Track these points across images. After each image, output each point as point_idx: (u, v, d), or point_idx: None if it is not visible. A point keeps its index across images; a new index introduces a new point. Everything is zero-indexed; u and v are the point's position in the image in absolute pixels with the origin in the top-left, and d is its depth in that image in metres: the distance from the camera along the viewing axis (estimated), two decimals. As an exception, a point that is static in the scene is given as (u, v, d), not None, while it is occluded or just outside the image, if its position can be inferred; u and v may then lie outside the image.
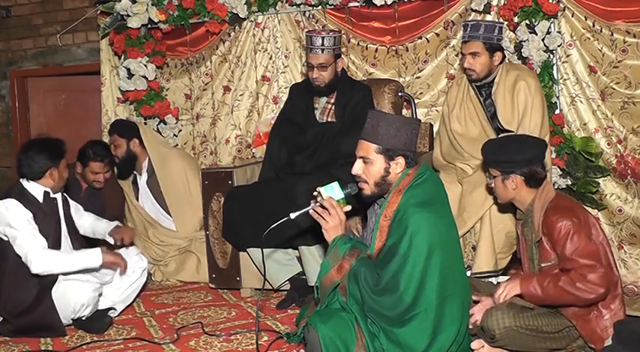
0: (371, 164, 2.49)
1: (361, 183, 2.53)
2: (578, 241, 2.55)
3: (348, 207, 2.57)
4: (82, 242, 3.59)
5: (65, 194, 3.59)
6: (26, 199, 3.33)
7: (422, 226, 2.36)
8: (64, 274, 3.29)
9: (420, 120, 2.59)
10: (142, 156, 4.40)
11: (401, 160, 2.48)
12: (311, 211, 2.54)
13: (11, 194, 3.35)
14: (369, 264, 2.46)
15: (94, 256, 3.31)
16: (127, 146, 4.34)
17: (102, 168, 4.16)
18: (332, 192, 2.55)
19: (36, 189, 3.38)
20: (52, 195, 3.42)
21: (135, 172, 4.45)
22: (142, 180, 4.43)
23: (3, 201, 3.32)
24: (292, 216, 2.54)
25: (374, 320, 2.40)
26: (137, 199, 4.44)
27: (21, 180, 3.40)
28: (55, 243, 3.36)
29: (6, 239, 3.29)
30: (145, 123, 4.86)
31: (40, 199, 3.38)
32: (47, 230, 3.34)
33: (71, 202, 3.61)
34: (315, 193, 2.57)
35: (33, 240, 3.26)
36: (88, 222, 3.67)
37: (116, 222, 3.73)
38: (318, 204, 2.53)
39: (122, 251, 3.59)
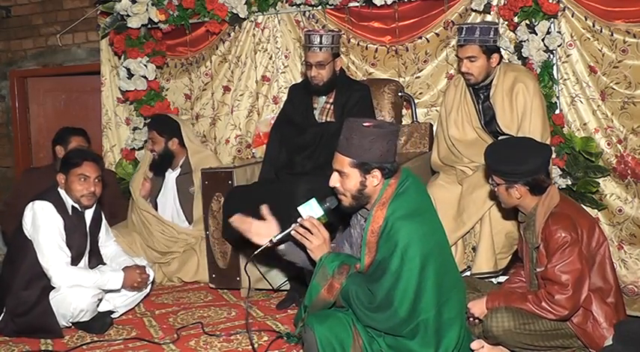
0: (347, 177, 2.42)
1: (340, 195, 2.47)
2: (568, 255, 2.56)
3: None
4: (101, 260, 3.59)
5: (103, 214, 3.63)
6: (60, 206, 3.36)
7: (412, 240, 2.31)
8: None
9: (398, 129, 2.53)
10: (180, 154, 4.36)
11: (377, 173, 2.40)
12: (293, 233, 2.48)
13: (47, 198, 3.36)
14: (360, 281, 2.41)
15: (114, 280, 3.37)
16: (165, 144, 4.30)
17: (82, 141, 4.19)
18: (311, 210, 2.50)
19: (67, 200, 3.40)
20: (80, 211, 3.44)
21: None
22: (173, 175, 4.38)
23: (39, 202, 3.34)
24: (274, 239, 2.49)
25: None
26: (159, 192, 4.37)
27: (58, 188, 3.42)
28: (77, 257, 3.40)
29: (30, 238, 3.32)
30: (145, 124, 4.85)
31: (69, 211, 3.40)
32: (72, 242, 3.37)
33: (104, 225, 3.63)
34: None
35: (58, 253, 3.29)
36: (110, 251, 3.65)
37: (136, 262, 3.61)
38: (298, 224, 2.48)
39: (132, 260, 3.61)
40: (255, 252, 2.57)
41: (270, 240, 2.50)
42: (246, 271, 2.71)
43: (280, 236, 2.50)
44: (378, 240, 2.38)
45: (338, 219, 2.77)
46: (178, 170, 4.37)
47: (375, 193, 2.43)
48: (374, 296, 2.35)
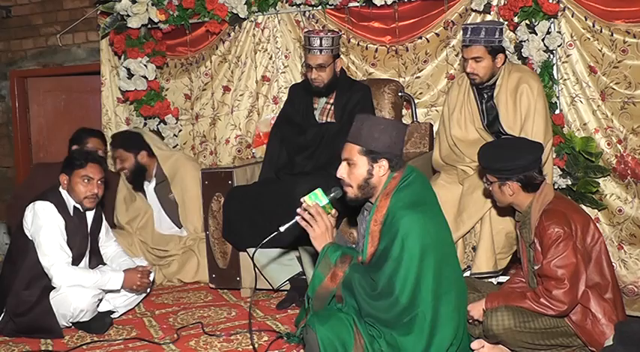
0: (355, 166, 2.49)
1: (345, 186, 2.53)
2: (562, 249, 2.57)
3: (335, 212, 2.57)
4: (101, 260, 3.59)
5: (104, 215, 3.64)
6: (61, 207, 3.36)
7: (412, 228, 2.36)
8: None
9: (406, 125, 2.59)
10: (151, 164, 4.34)
11: (384, 163, 2.48)
12: (298, 219, 2.53)
13: (49, 198, 3.35)
14: (362, 270, 2.45)
15: (114, 281, 3.37)
16: (135, 159, 4.27)
17: (99, 143, 4.18)
18: (316, 199, 2.54)
19: (69, 201, 3.40)
20: (81, 211, 3.44)
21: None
22: (150, 186, 4.38)
23: (41, 203, 3.33)
24: (282, 229, 2.53)
25: (372, 323, 2.41)
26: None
27: (60, 188, 3.41)
28: (77, 257, 3.40)
29: (31, 239, 3.32)
30: (145, 124, 4.85)
31: (71, 212, 3.40)
32: (73, 242, 3.37)
33: (104, 225, 3.63)
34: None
35: (59, 253, 3.29)
36: (110, 251, 3.65)
37: (136, 263, 3.62)
38: (303, 210, 2.52)
39: (132, 261, 3.61)
40: (263, 241, 2.60)
41: (278, 230, 2.54)
42: (252, 260, 2.74)
43: (287, 225, 2.55)
44: (381, 229, 2.44)
45: (344, 209, 2.78)
46: (154, 180, 4.37)
47: (379, 184, 2.50)
48: (376, 283, 2.39)
